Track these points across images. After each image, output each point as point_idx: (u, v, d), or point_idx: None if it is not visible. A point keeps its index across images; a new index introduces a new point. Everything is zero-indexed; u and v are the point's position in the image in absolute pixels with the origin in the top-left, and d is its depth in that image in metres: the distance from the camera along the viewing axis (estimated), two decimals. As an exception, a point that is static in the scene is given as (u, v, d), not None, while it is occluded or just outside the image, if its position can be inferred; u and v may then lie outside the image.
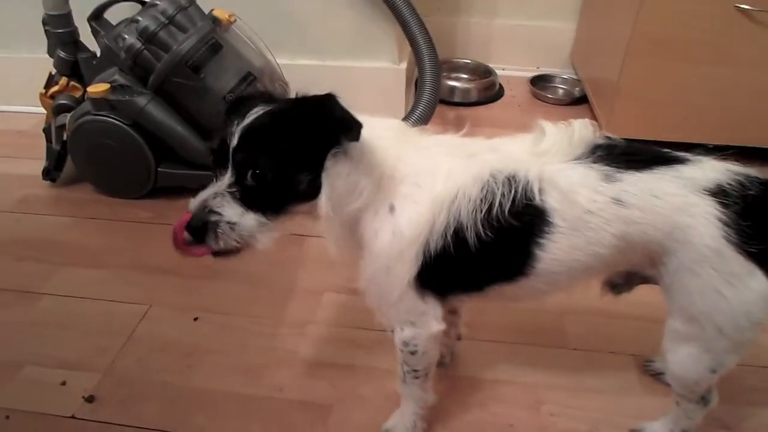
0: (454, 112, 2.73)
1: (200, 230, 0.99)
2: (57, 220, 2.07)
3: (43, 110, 2.22)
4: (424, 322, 1.11)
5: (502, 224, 0.99)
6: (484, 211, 0.99)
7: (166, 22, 1.90)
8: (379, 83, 2.48)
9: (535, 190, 0.99)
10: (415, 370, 1.20)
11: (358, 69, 2.48)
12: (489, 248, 1.00)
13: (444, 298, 1.12)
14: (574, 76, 2.90)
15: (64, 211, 2.11)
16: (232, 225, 0.98)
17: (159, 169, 2.06)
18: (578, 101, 2.74)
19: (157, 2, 1.93)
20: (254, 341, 1.56)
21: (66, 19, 2.08)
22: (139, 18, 1.90)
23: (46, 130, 2.18)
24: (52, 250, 1.90)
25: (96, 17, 2.06)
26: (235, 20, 2.05)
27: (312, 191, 0.99)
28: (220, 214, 0.98)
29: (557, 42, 2.94)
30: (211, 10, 2.01)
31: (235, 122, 0.99)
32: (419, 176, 1.02)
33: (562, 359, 1.50)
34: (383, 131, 1.04)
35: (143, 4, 2.00)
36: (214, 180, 1.01)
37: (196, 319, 1.63)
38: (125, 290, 1.74)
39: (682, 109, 2.15)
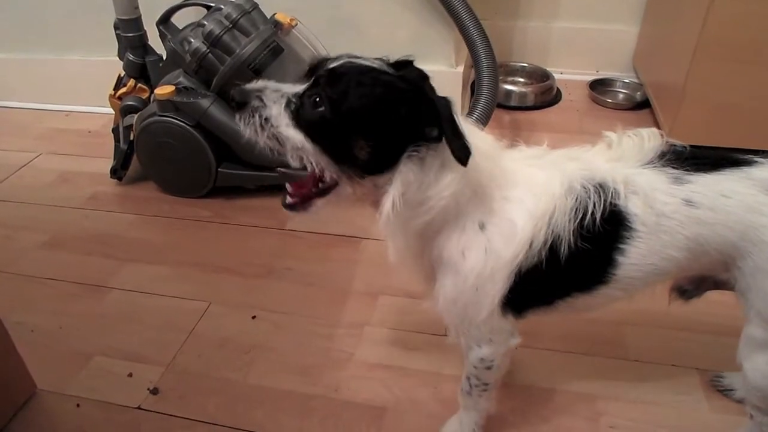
0: (510, 116, 2.70)
1: (239, 105, 0.95)
2: (123, 217, 2.15)
3: (112, 111, 2.31)
4: (503, 338, 1.10)
5: (591, 233, 0.97)
6: (576, 221, 0.97)
7: (230, 26, 1.94)
8: (435, 86, 2.47)
9: (621, 196, 0.98)
10: (486, 384, 1.18)
11: (414, 72, 2.47)
12: (576, 259, 0.98)
13: (521, 315, 1.10)
14: (636, 80, 2.82)
15: (129, 208, 2.19)
16: (267, 119, 0.93)
17: (219, 169, 2.12)
18: (639, 106, 2.66)
19: (222, 6, 1.99)
20: (311, 341, 1.58)
21: (135, 23, 2.17)
22: (205, 22, 1.96)
23: (115, 130, 2.27)
24: (118, 246, 1.98)
25: (163, 21, 2.13)
26: (297, 24, 2.08)
27: (375, 166, 0.93)
28: (264, 104, 0.94)
29: (619, 45, 2.87)
30: (273, 14, 2.05)
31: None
32: (515, 190, 0.99)
33: (622, 370, 1.46)
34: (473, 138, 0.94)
35: (208, 8, 2.06)
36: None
37: (254, 317, 1.66)
38: (186, 287, 1.79)
39: (753, 114, 2.05)
